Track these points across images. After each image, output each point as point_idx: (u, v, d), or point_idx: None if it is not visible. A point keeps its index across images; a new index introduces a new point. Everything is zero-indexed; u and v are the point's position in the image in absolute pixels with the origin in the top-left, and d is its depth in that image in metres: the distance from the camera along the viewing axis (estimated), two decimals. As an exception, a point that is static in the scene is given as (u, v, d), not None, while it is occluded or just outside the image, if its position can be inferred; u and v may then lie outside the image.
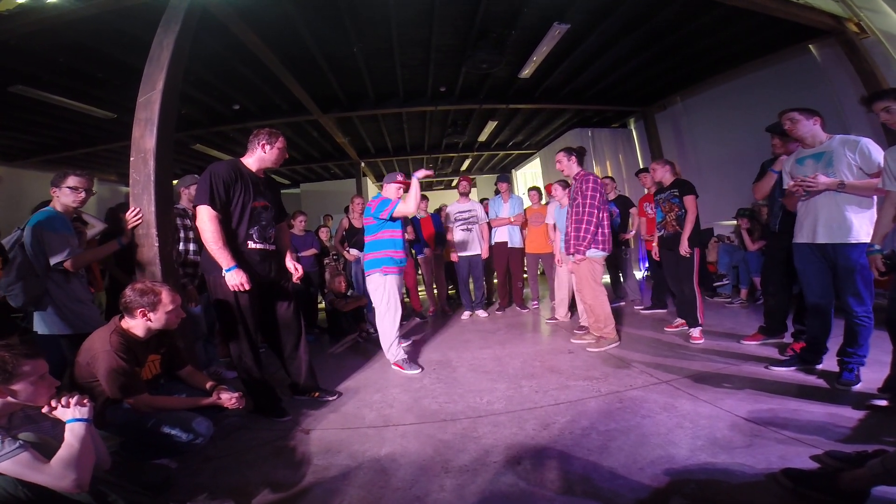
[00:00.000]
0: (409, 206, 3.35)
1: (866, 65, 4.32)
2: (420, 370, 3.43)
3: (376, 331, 4.88)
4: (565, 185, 4.55)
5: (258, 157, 2.69)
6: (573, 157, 3.75)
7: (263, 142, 2.67)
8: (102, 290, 4.09)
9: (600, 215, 3.58)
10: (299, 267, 2.94)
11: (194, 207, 2.50)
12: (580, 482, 1.78)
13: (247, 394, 2.66)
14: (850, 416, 2.14)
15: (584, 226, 3.54)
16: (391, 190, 3.65)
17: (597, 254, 3.64)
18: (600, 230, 3.60)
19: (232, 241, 2.54)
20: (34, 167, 7.36)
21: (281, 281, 2.86)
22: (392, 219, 3.49)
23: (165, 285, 2.19)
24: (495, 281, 6.17)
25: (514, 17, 4.59)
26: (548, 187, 4.75)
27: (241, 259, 2.54)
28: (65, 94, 5.15)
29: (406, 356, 3.58)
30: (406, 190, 3.56)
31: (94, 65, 4.63)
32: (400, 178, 3.68)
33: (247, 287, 2.47)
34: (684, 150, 7.45)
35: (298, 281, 3.01)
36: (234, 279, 2.45)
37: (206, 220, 2.43)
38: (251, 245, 2.63)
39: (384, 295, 3.54)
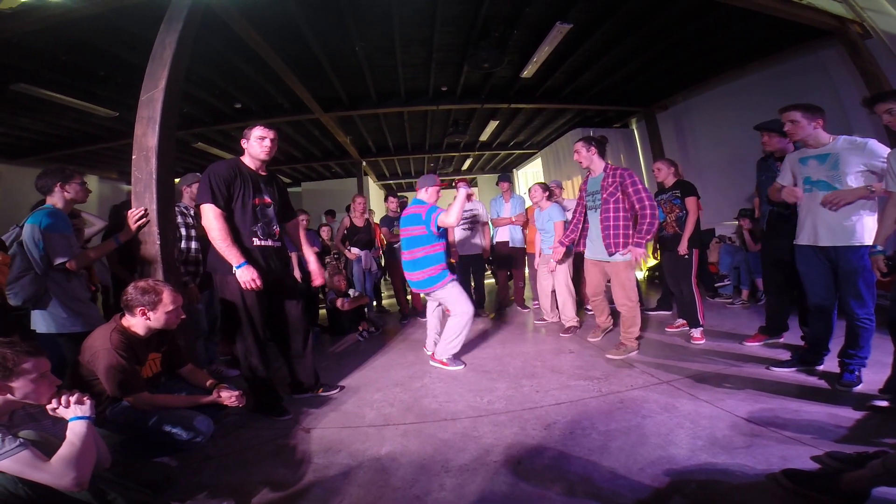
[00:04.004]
0: (451, 218, 3.22)
1: (869, 66, 4.30)
2: (464, 365, 3.43)
3: (377, 330, 4.92)
4: (545, 187, 4.55)
5: (248, 153, 2.72)
6: (593, 148, 3.46)
7: (244, 137, 2.70)
8: (97, 290, 4.10)
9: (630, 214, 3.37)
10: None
11: (197, 207, 2.51)
12: (580, 482, 1.78)
13: (249, 392, 2.67)
14: (851, 417, 2.14)
15: (647, 220, 3.24)
16: (432, 193, 3.49)
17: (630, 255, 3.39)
18: (632, 229, 3.36)
19: (237, 238, 2.56)
20: (36, 165, 7.37)
21: (286, 278, 2.88)
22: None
23: (168, 285, 2.19)
24: (493, 280, 6.16)
25: (516, 17, 4.58)
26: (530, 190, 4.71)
27: (249, 256, 2.56)
28: (67, 92, 5.15)
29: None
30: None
31: (96, 63, 4.63)
32: (438, 181, 3.52)
33: (258, 283, 2.48)
34: (686, 151, 7.44)
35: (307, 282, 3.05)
36: (245, 275, 2.45)
37: (211, 218, 2.45)
38: (256, 242, 2.64)
39: (464, 302, 3.43)
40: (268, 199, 2.72)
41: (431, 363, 3.51)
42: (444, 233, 3.47)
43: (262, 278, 2.54)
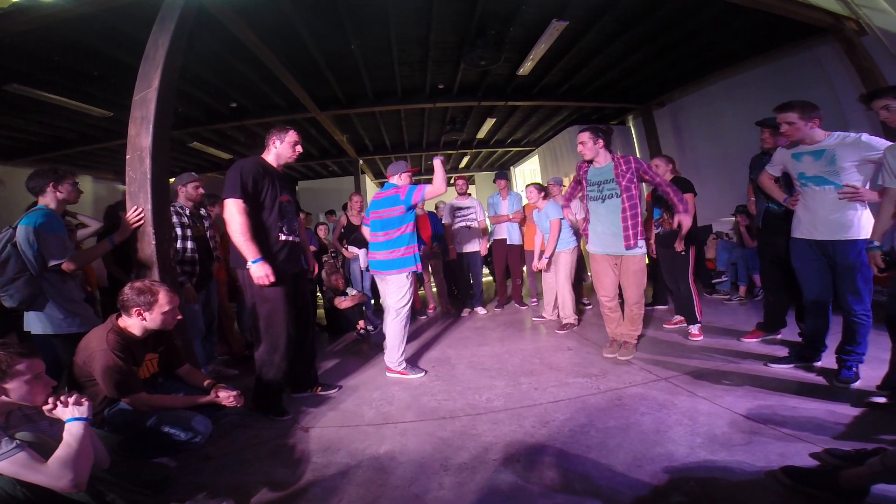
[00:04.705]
0: (439, 186, 3.19)
1: (865, 63, 4.31)
2: (424, 373, 3.32)
3: (375, 328, 4.90)
4: (539, 187, 4.51)
5: (274, 153, 2.76)
6: (600, 140, 3.22)
7: (275, 137, 2.75)
8: (97, 287, 4.09)
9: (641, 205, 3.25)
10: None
11: (222, 201, 2.52)
12: (579, 480, 1.78)
13: (256, 389, 2.67)
14: (849, 414, 2.15)
15: (679, 196, 3.19)
16: (406, 178, 3.43)
17: (644, 247, 3.28)
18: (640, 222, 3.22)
19: (266, 233, 2.62)
20: (29, 166, 7.32)
21: (304, 274, 2.94)
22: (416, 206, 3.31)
23: (164, 285, 2.18)
24: (492, 278, 6.17)
25: (513, 14, 4.56)
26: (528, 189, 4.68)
27: (269, 252, 2.59)
28: (60, 93, 5.11)
29: (406, 361, 3.39)
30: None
31: (89, 63, 4.60)
32: (409, 167, 3.50)
33: (272, 279, 2.50)
34: (683, 148, 7.45)
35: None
36: (260, 271, 2.47)
37: (234, 212, 2.46)
38: (282, 237, 2.68)
39: (407, 295, 3.30)
40: (289, 197, 2.80)
41: (388, 374, 3.33)
42: (415, 216, 3.39)
43: (288, 274, 2.63)
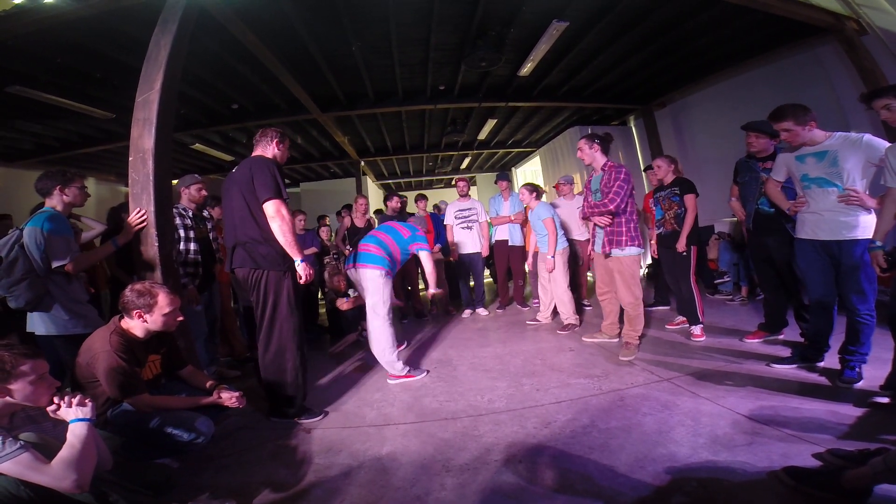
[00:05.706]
0: (430, 272, 3.51)
1: (866, 62, 4.31)
2: (426, 372, 3.34)
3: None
4: (532, 188, 4.53)
5: (272, 153, 2.73)
6: (595, 145, 3.43)
7: (276, 139, 2.74)
8: (106, 289, 4.10)
9: (629, 209, 3.36)
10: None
11: (262, 201, 2.46)
12: (581, 480, 1.78)
13: (273, 396, 2.62)
14: (852, 414, 2.14)
15: (611, 222, 3.33)
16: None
17: (635, 251, 3.37)
18: (632, 225, 3.36)
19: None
20: (32, 168, 7.34)
21: None
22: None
23: (164, 287, 2.18)
24: (492, 280, 6.17)
25: (513, 15, 4.57)
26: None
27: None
28: (63, 95, 5.12)
29: (405, 363, 3.34)
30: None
31: (92, 65, 4.61)
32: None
33: (312, 278, 2.58)
34: (684, 148, 7.44)
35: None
36: (307, 270, 2.54)
37: (284, 213, 2.49)
38: None
39: (385, 295, 3.23)
40: None
41: (389, 381, 3.23)
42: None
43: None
